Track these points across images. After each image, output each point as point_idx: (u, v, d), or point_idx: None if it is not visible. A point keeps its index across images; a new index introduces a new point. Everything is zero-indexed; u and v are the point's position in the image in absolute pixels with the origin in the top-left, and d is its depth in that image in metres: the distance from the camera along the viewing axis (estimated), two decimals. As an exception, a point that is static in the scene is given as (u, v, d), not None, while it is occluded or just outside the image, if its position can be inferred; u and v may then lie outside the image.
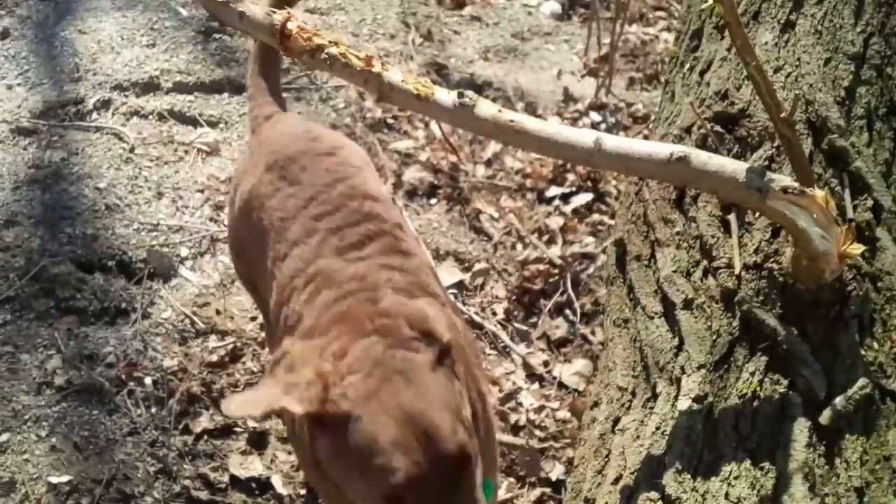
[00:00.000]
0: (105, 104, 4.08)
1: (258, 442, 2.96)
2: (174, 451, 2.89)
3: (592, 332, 3.48)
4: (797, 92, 1.40)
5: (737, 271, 1.30)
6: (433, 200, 4.00)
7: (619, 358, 1.39)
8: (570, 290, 3.60)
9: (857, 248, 1.21)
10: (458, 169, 4.13)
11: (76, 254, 3.38)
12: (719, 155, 1.19)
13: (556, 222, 4.00)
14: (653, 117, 4.24)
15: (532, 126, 1.26)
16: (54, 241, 3.41)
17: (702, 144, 1.43)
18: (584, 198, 4.12)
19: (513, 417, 3.18)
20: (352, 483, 1.50)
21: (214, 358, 3.18)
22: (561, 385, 3.29)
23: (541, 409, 3.23)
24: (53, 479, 2.71)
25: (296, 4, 2.90)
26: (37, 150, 3.83)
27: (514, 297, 3.56)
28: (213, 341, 3.23)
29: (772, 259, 1.28)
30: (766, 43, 1.49)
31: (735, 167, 1.16)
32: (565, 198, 4.12)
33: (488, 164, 4.25)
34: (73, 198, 3.60)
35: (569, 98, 4.67)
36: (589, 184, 4.15)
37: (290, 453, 2.94)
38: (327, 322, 1.75)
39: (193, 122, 4.05)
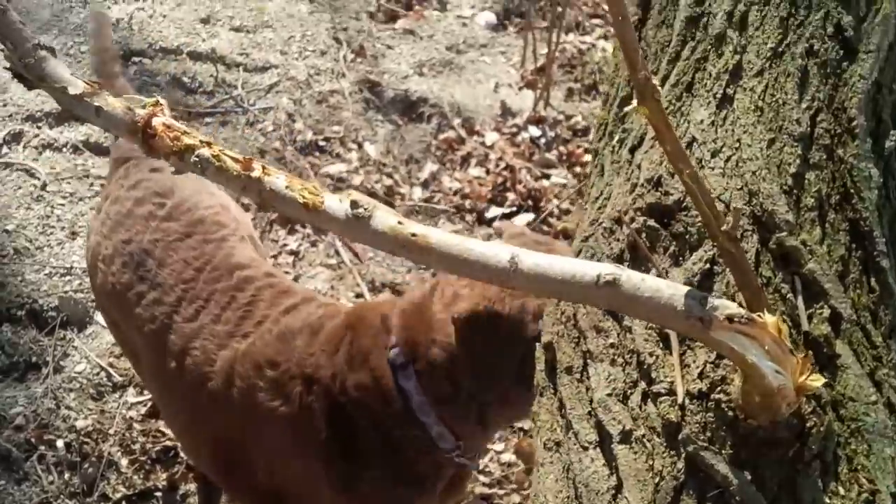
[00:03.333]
0: (15, 137, 3.82)
1: (180, 507, 2.77)
2: (90, 522, 2.69)
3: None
4: (739, 183, 1.24)
5: (679, 399, 1.13)
6: (368, 228, 3.80)
7: (550, 492, 1.21)
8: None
9: (818, 380, 1.05)
10: (393, 192, 3.95)
11: (-18, 305, 3.14)
12: (653, 276, 1.02)
13: (496, 246, 3.84)
14: (587, 187, 4.10)
15: (439, 241, 1.09)
16: (-42, 292, 3.17)
17: (634, 241, 1.26)
18: (525, 218, 3.97)
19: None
20: None
21: (133, 414, 2.97)
22: (505, 424, 3.14)
23: (484, 452, 3.07)
24: (-47, 565, 2.49)
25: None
26: (-59, 188, 3.56)
27: (454, 332, 3.39)
28: (130, 395, 3.02)
29: (718, 388, 1.12)
30: (702, 121, 1.31)
31: (672, 292, 1.00)
32: (506, 218, 3.96)
33: (425, 185, 4.08)
34: (-21, 242, 3.35)
35: (507, 112, 4.51)
36: (530, 202, 4.01)
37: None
38: None
39: (110, 153, 3.80)
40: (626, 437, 1.15)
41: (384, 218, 1.10)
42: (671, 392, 1.15)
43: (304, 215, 1.12)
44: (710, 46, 1.37)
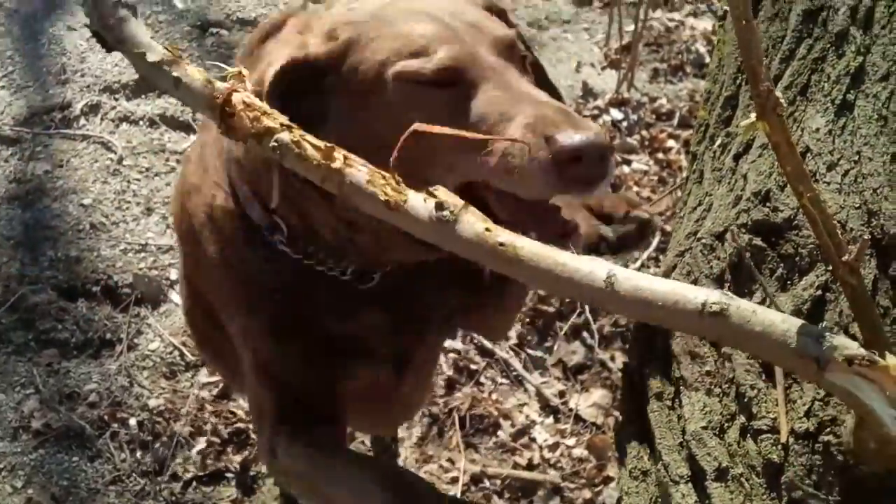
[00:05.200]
0: (93, 109, 3.84)
1: (249, 488, 2.76)
2: (161, 501, 2.69)
3: (612, 358, 3.24)
4: (857, 201, 1.13)
5: (783, 439, 1.05)
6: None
7: (636, 524, 1.13)
8: (587, 311, 3.34)
9: None
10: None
11: (58, 279, 3.16)
12: (765, 308, 0.92)
13: (573, 231, 3.73)
14: (679, 180, 3.93)
15: (528, 253, 1.01)
16: (35, 266, 3.20)
17: (738, 261, 1.16)
18: (603, 203, 3.84)
19: (525, 455, 2.96)
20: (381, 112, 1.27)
21: (205, 394, 2.96)
22: (577, 418, 3.05)
23: (555, 445, 3.00)
24: (27, 539, 2.52)
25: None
26: (19, 161, 3.60)
27: (527, 320, 3.31)
28: (203, 375, 3.01)
29: (828, 430, 1.03)
30: (818, 130, 1.19)
31: (786, 328, 0.90)
32: (584, 204, 3.84)
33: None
34: (57, 216, 3.38)
35: (588, 93, 4.37)
36: (609, 190, 3.87)
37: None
38: None
39: (186, 127, 3.80)
40: (721, 474, 1.07)
41: (470, 223, 1.03)
42: (773, 429, 1.06)
43: (385, 213, 1.05)
44: (829, 45, 1.24)
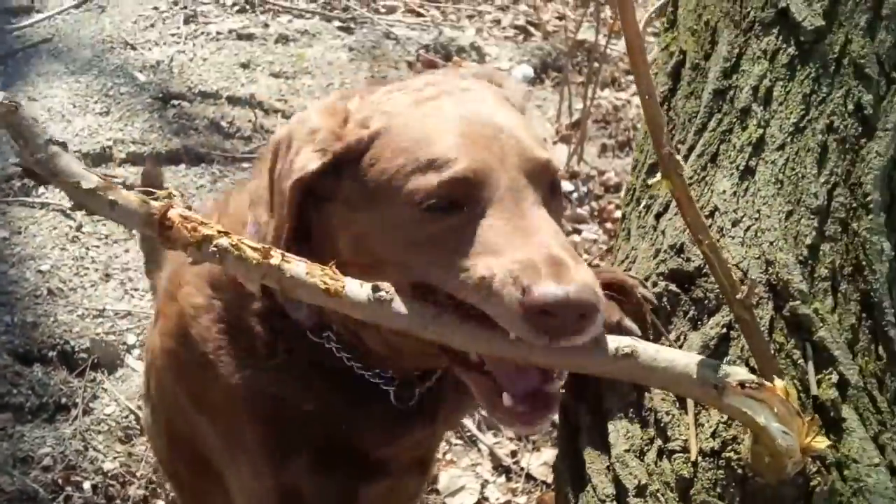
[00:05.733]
0: (53, 178, 3.91)
1: (204, 554, 2.79)
2: (113, 565, 2.72)
3: (561, 417, 3.34)
4: (757, 253, 1.31)
5: (693, 457, 1.21)
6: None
7: (569, 541, 1.28)
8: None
9: (822, 442, 1.12)
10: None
11: (14, 344, 3.20)
12: (667, 347, 1.09)
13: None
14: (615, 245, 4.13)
15: (460, 325, 1.16)
16: (-9, 331, 3.24)
17: (657, 304, 1.33)
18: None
19: (477, 514, 3.04)
20: (390, 210, 1.25)
21: (159, 457, 3.01)
22: (529, 477, 3.15)
23: (507, 504, 3.09)
24: None
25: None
26: (-23, 228, 3.66)
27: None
28: (158, 439, 3.06)
29: (730, 447, 1.20)
30: (724, 192, 1.38)
31: (686, 362, 1.06)
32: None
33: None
34: (14, 282, 3.43)
35: (539, 166, 4.56)
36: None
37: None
38: None
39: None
40: (641, 490, 1.23)
41: (405, 300, 1.16)
42: (685, 449, 1.23)
43: (326, 300, 1.17)
44: (735, 119, 1.44)
